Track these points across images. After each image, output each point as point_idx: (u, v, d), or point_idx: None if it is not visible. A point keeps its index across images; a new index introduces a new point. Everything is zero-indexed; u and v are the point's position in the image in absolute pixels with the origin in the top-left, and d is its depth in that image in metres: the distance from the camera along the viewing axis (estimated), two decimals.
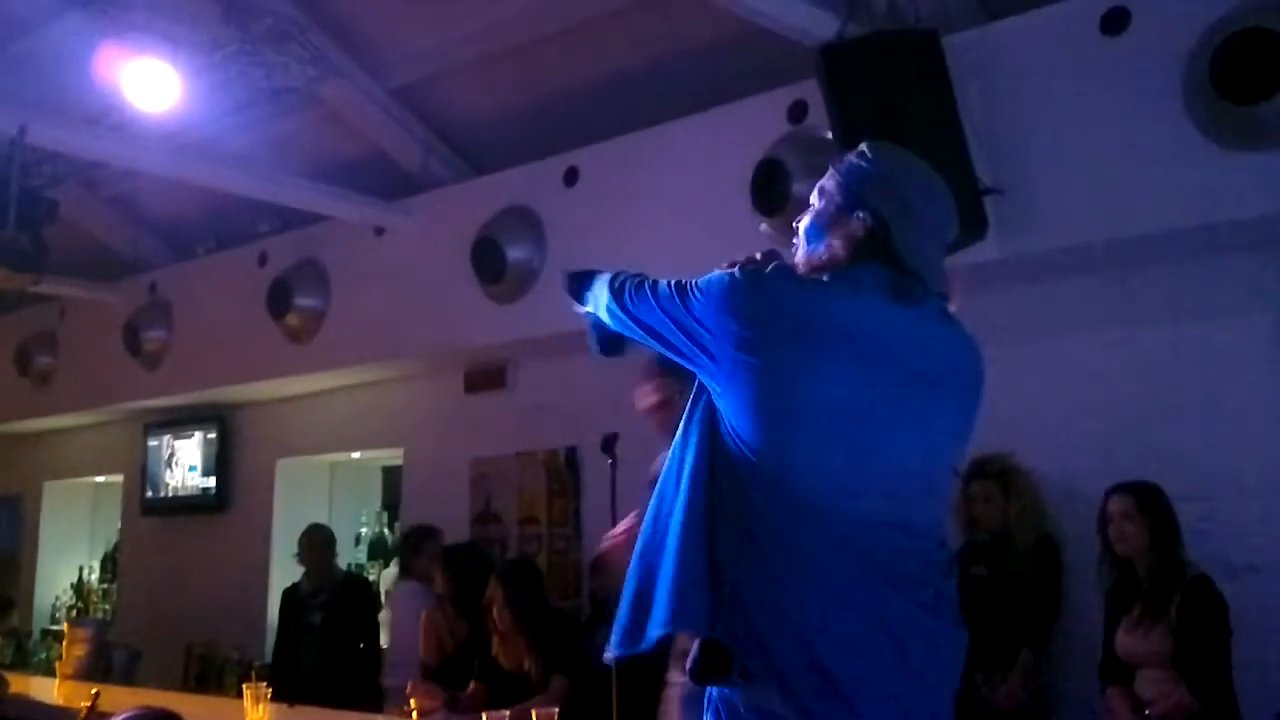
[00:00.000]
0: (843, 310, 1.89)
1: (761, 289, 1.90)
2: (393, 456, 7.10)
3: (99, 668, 6.17)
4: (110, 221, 7.69)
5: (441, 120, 6.05)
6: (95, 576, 9.24)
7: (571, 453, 5.90)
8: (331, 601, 5.84)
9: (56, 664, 6.66)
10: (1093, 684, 3.87)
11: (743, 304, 1.90)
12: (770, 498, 1.84)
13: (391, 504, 7.39)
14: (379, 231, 6.25)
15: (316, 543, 6.02)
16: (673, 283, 2.03)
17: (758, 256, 2.00)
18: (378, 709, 5.26)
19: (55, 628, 8.60)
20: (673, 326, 2.00)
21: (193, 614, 7.38)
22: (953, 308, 2.06)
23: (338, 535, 6.21)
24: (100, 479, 9.25)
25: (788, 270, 1.97)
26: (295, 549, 6.16)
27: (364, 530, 7.45)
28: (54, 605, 9.26)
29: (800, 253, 2.05)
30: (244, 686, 4.52)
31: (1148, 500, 3.71)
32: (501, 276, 5.58)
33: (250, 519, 7.55)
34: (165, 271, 7.52)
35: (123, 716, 2.87)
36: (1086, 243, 4.13)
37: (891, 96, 3.95)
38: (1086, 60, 4.07)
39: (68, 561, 9.43)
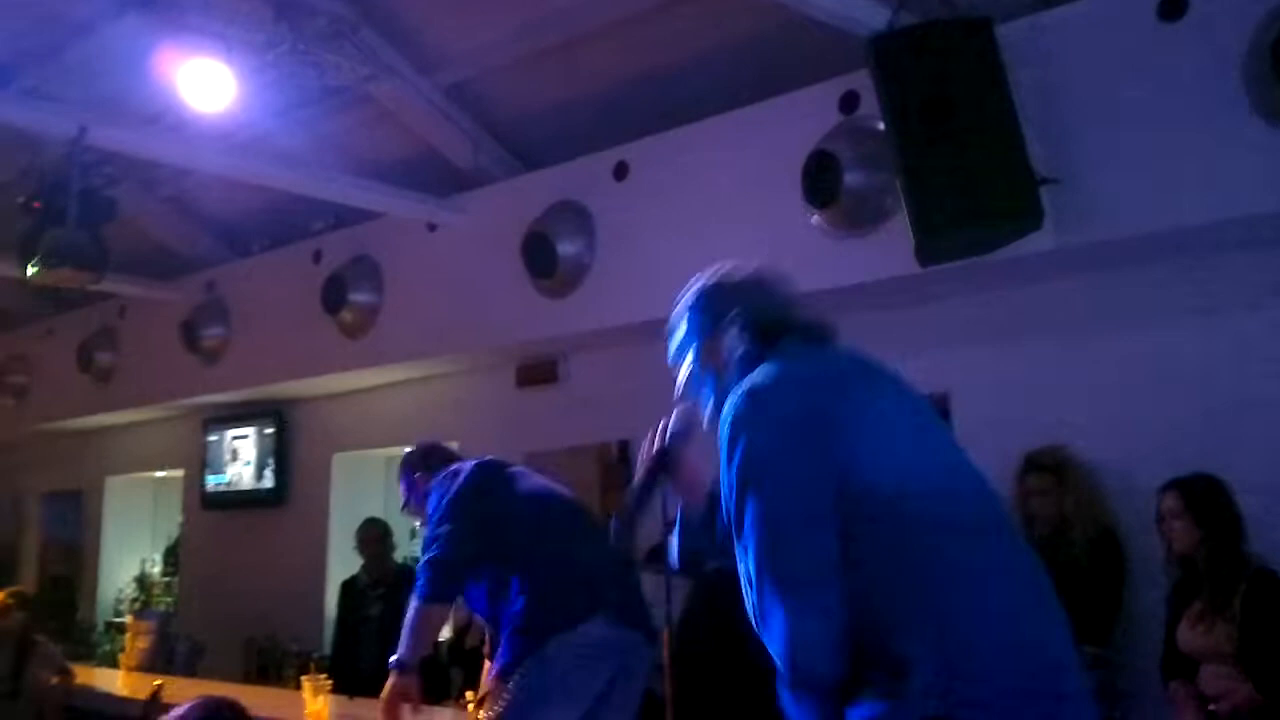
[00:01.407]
0: (813, 374, 1.95)
1: (764, 412, 1.89)
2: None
3: (161, 659, 6.31)
4: (168, 220, 7.82)
5: (492, 116, 6.09)
6: (157, 570, 9.42)
7: (624, 446, 5.92)
8: (389, 594, 5.91)
9: (120, 656, 6.82)
10: (1156, 679, 3.82)
11: (762, 437, 1.88)
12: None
13: None
14: (431, 228, 6.30)
15: (373, 536, 6.11)
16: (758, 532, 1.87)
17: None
18: (437, 700, 5.32)
19: (119, 620, 8.78)
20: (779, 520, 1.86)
21: (253, 606, 7.50)
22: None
23: (393, 528, 6.28)
24: (161, 474, 9.43)
25: (747, 400, 1.92)
26: (352, 542, 6.25)
27: (419, 524, 7.52)
28: (117, 598, 9.46)
29: (705, 406, 2.10)
30: (303, 679, 4.60)
31: (1197, 496, 3.66)
32: (552, 271, 5.60)
33: (308, 513, 7.66)
34: (222, 269, 7.64)
35: (186, 706, 2.94)
36: (1144, 232, 4.07)
37: (944, 86, 3.91)
38: (1143, 47, 4.00)
39: (130, 555, 9.63)
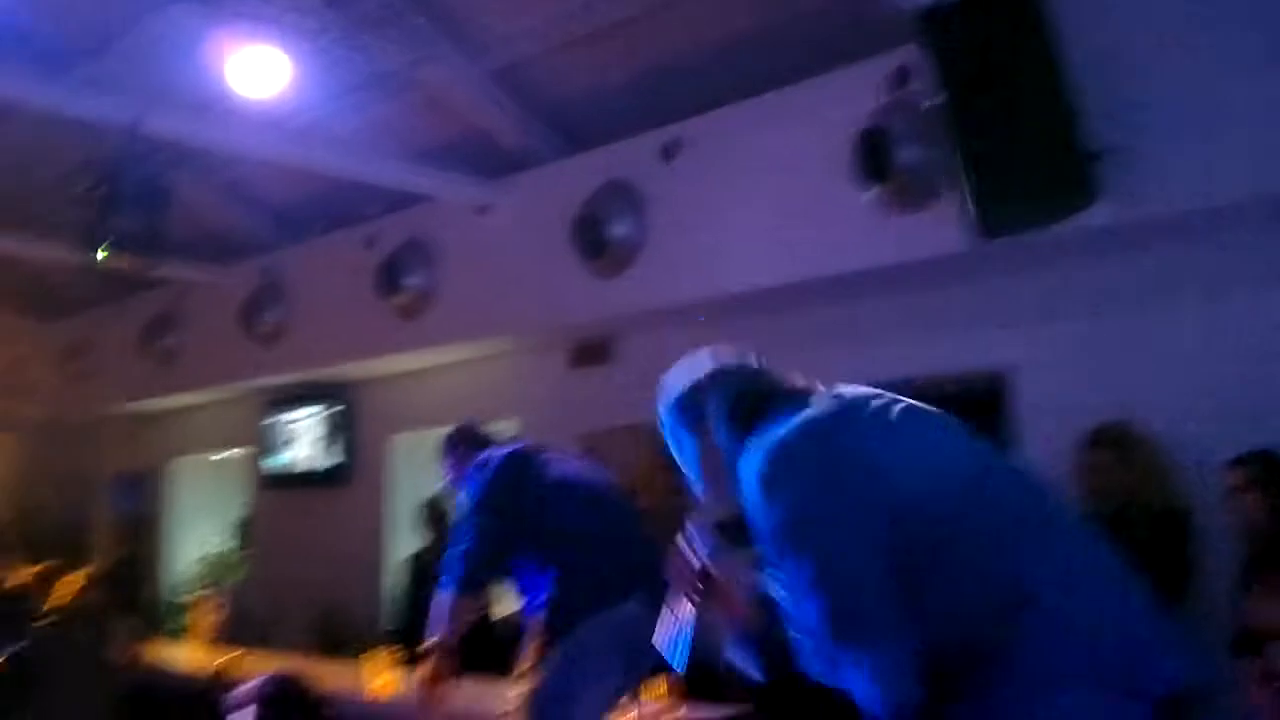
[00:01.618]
0: (823, 417, 1.96)
1: (790, 467, 1.90)
2: (504, 430, 7.23)
3: (232, 634, 6.46)
4: (224, 206, 7.93)
5: (540, 98, 6.10)
6: (225, 547, 9.64)
7: None
8: None
9: (190, 631, 6.99)
10: (1225, 657, 3.78)
11: (795, 490, 1.89)
12: None
13: None
14: (481, 210, 6.34)
15: (436, 515, 6.21)
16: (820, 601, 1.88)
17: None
18: (501, 674, 5.40)
19: (187, 597, 8.99)
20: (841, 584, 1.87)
21: (319, 582, 7.65)
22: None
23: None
24: (226, 454, 9.62)
25: (781, 453, 1.93)
26: (413, 520, 6.35)
27: None
28: (185, 575, 9.69)
29: (710, 496, 2.11)
30: (370, 652, 4.71)
31: (1266, 470, 3.61)
32: (602, 252, 5.62)
33: (369, 491, 7.78)
34: (278, 254, 7.75)
35: (252, 682, 3.03)
36: (1207, 204, 4.00)
37: (995, 59, 3.87)
38: (1200, 14, 3.92)
39: (198, 533, 9.86)
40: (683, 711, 3.74)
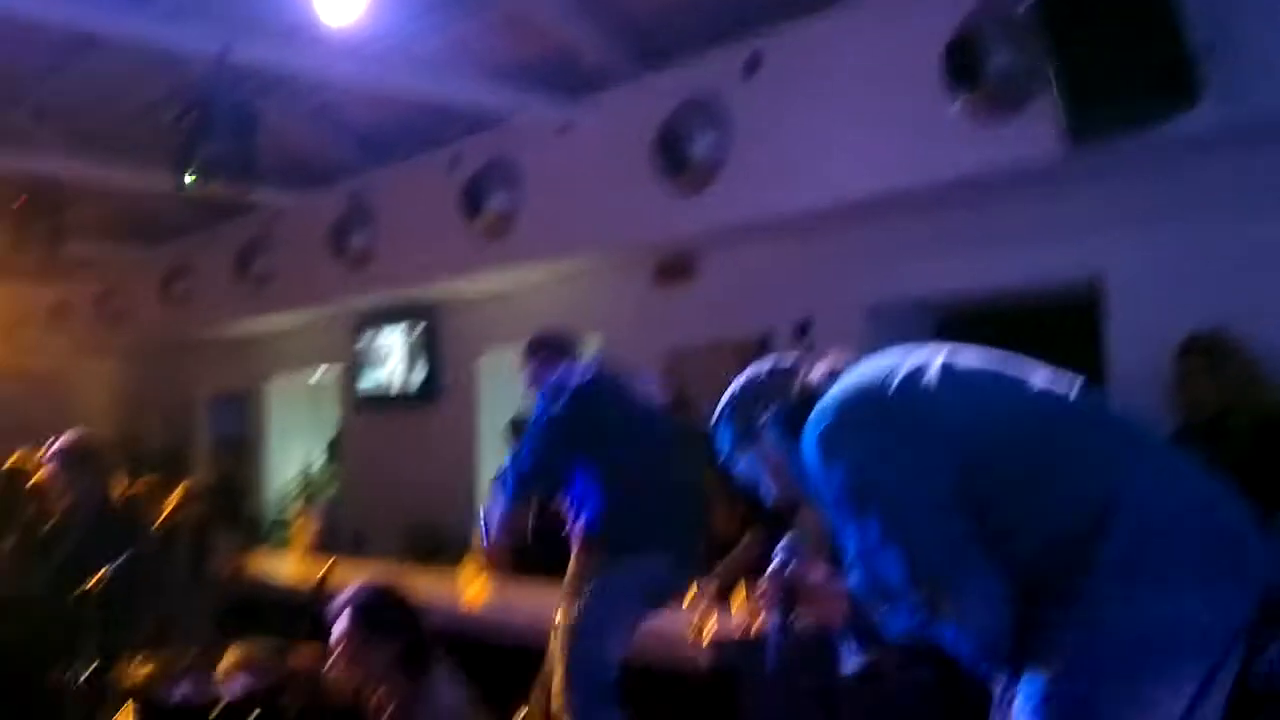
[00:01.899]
0: (870, 379, 2.03)
1: (843, 430, 1.98)
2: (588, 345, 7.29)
3: (328, 546, 6.69)
4: (311, 131, 8.02)
5: (620, 14, 6.02)
6: (320, 464, 9.94)
7: (764, 340, 5.93)
8: None
9: (290, 544, 7.26)
10: None
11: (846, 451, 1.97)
12: None
13: None
14: (562, 130, 6.33)
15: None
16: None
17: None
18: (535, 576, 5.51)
19: (286, 511, 9.32)
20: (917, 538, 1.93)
21: (410, 498, 7.86)
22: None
23: None
24: (318, 374, 9.88)
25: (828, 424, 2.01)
26: (501, 437, 6.46)
27: None
28: (284, 490, 10.04)
29: (779, 499, 2.23)
30: (463, 562, 4.84)
31: None
32: (684, 169, 5.58)
33: (457, 410, 7.94)
34: (365, 177, 7.84)
35: (352, 589, 3.15)
36: None
37: None
38: None
39: (294, 451, 10.18)
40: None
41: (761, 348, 5.94)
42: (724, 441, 2.23)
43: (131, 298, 10.70)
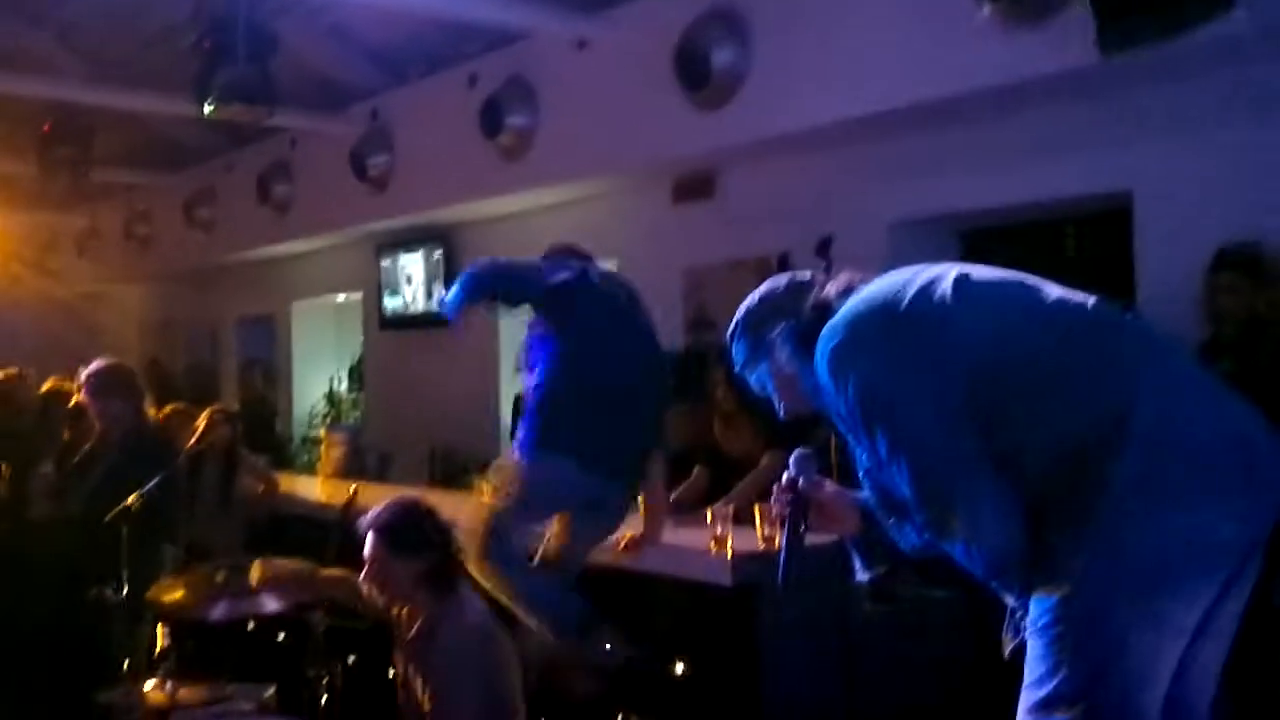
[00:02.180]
0: (884, 294, 2.02)
1: (855, 344, 1.98)
2: (607, 269, 7.27)
3: (354, 468, 6.77)
4: (329, 51, 7.93)
5: None
6: (344, 387, 10.03)
7: (784, 258, 5.88)
8: None
9: (316, 466, 7.35)
10: None
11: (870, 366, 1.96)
12: None
13: None
14: (581, 45, 6.23)
15: None
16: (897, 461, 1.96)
17: None
18: None
19: (313, 433, 9.43)
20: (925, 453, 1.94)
21: (433, 419, 7.93)
22: None
23: None
24: (341, 298, 9.92)
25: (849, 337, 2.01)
26: (519, 359, 6.47)
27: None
28: (310, 413, 10.15)
29: (789, 411, 2.22)
30: (482, 482, 4.88)
31: None
32: (705, 83, 5.49)
33: (478, 331, 7.94)
34: (384, 98, 7.77)
35: (382, 505, 3.19)
36: None
37: None
38: None
39: (319, 374, 10.28)
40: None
41: (782, 266, 5.91)
42: (737, 355, 2.23)
43: (157, 224, 10.74)
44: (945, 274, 2.01)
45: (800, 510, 2.15)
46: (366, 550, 3.11)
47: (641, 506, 3.77)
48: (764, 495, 3.93)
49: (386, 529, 3.10)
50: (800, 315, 2.12)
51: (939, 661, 3.68)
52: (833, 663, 3.61)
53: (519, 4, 6.07)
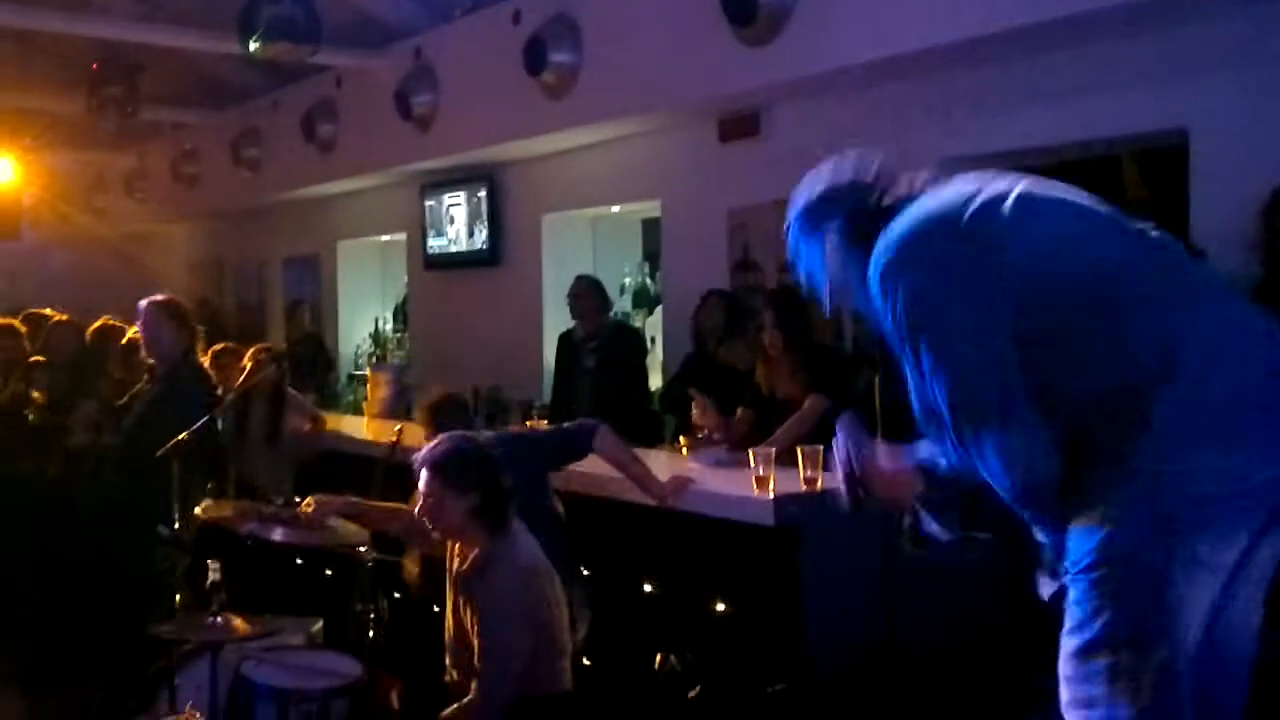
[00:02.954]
0: (943, 207, 1.99)
1: (907, 255, 1.95)
2: (651, 209, 7.23)
3: (400, 408, 6.84)
4: None
5: None
6: (389, 326, 10.10)
7: None
8: (602, 346, 6.18)
9: (363, 405, 7.43)
10: None
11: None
12: None
13: (652, 254, 7.59)
14: None
15: (583, 291, 6.33)
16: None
17: None
18: (649, 446, 5.59)
19: (359, 373, 9.52)
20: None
21: (476, 359, 7.97)
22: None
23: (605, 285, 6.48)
24: (386, 237, 9.95)
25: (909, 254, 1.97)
26: (565, 298, 6.48)
27: (627, 280, 7.73)
28: (356, 352, 10.24)
29: (834, 304, 2.20)
30: (526, 423, 4.92)
31: None
32: (753, 18, 5.38)
33: (521, 271, 7.97)
34: (427, 36, 7.71)
35: (434, 442, 3.23)
36: None
37: None
38: None
39: (364, 313, 10.35)
40: None
41: None
42: (790, 243, 2.20)
43: (204, 162, 10.80)
44: (1011, 189, 1.96)
45: (855, 489, 2.16)
46: (421, 485, 3.15)
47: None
48: (806, 438, 3.94)
49: (441, 464, 3.14)
50: (858, 213, 2.08)
51: (981, 604, 3.68)
52: (874, 603, 3.62)
53: None
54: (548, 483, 3.82)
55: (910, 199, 2.04)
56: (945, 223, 1.95)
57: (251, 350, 5.68)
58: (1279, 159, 4.07)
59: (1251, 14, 4.19)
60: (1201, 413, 1.77)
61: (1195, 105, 4.39)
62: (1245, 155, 4.19)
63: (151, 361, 4.93)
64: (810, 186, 2.18)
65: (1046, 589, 1.98)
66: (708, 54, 5.71)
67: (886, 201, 2.06)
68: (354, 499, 3.68)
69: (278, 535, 3.54)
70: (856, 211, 2.08)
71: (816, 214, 2.14)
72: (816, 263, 2.15)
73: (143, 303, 4.80)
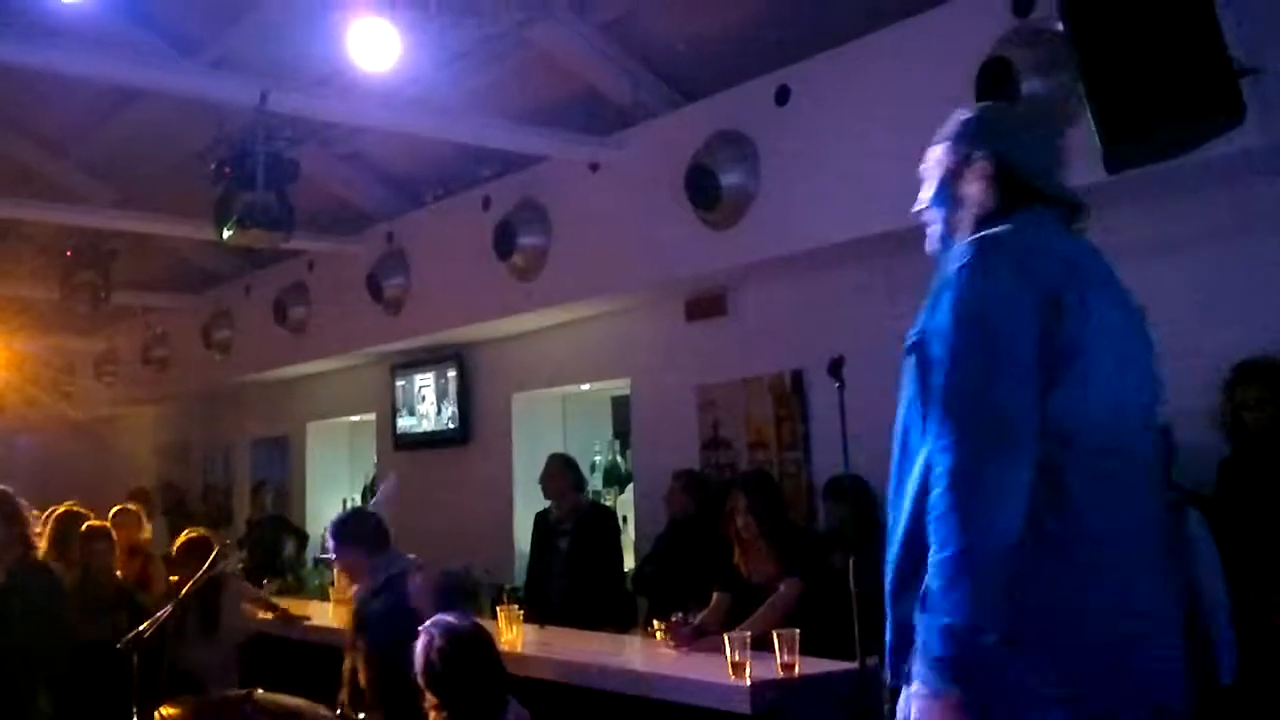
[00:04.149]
0: (1052, 249, 1.97)
1: (983, 268, 1.92)
2: (621, 387, 7.26)
3: None
4: (346, 176, 8.10)
5: (649, 50, 6.04)
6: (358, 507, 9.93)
7: (797, 376, 5.87)
8: (577, 528, 6.08)
9: (329, 589, 7.23)
10: None
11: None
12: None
13: (622, 433, 7.59)
14: (594, 167, 6.33)
15: (555, 472, 6.27)
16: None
17: None
18: (623, 630, 5.45)
19: (326, 556, 9.30)
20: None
21: (447, 540, 7.81)
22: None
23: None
24: (356, 418, 9.91)
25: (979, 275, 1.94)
26: (536, 479, 6.41)
27: (598, 458, 7.70)
28: (323, 535, 10.02)
29: (936, 228, 2.16)
30: (498, 609, 4.79)
31: None
32: (716, 203, 5.55)
33: (492, 450, 7.92)
34: (399, 221, 7.89)
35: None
36: None
37: None
38: None
39: (332, 494, 10.20)
40: None
41: (796, 383, 5.89)
42: (940, 150, 2.18)
43: (175, 346, 10.83)
44: (1104, 295, 1.97)
45: None
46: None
47: None
48: (782, 622, 3.85)
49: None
50: (1019, 167, 2.06)
51: None
52: None
53: (533, 130, 6.20)
54: None
55: (1058, 205, 2.05)
56: (1040, 258, 1.93)
57: (212, 540, 5.46)
58: (1231, 335, 4.15)
59: (1203, 192, 4.35)
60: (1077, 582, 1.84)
61: (1147, 281, 4.48)
62: (1196, 332, 4.27)
63: None
64: (997, 103, 2.18)
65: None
66: (674, 237, 5.85)
67: (1046, 182, 2.06)
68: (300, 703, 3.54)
69: None
70: (1018, 161, 2.06)
71: (983, 133, 2.12)
72: (944, 170, 2.14)
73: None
